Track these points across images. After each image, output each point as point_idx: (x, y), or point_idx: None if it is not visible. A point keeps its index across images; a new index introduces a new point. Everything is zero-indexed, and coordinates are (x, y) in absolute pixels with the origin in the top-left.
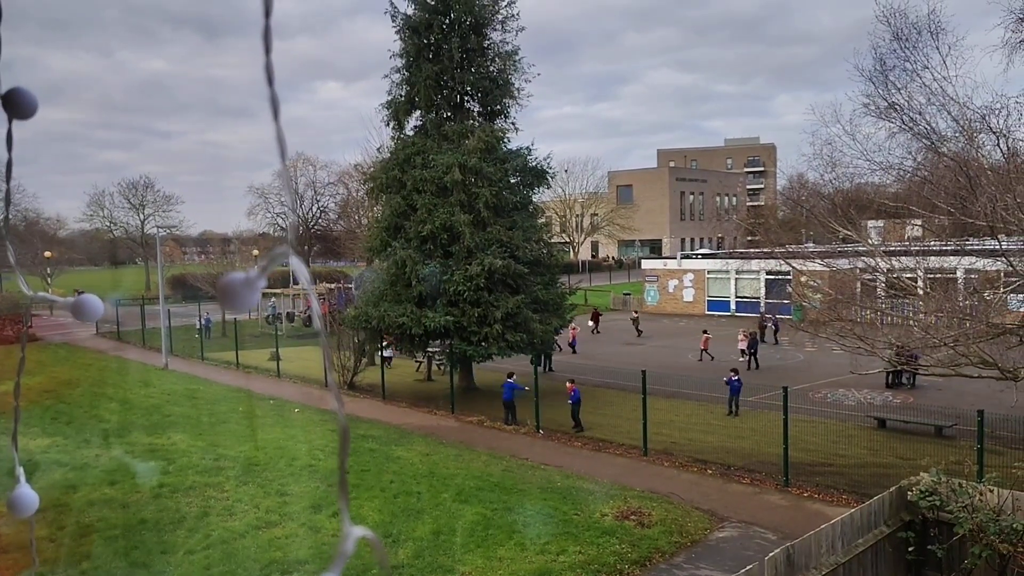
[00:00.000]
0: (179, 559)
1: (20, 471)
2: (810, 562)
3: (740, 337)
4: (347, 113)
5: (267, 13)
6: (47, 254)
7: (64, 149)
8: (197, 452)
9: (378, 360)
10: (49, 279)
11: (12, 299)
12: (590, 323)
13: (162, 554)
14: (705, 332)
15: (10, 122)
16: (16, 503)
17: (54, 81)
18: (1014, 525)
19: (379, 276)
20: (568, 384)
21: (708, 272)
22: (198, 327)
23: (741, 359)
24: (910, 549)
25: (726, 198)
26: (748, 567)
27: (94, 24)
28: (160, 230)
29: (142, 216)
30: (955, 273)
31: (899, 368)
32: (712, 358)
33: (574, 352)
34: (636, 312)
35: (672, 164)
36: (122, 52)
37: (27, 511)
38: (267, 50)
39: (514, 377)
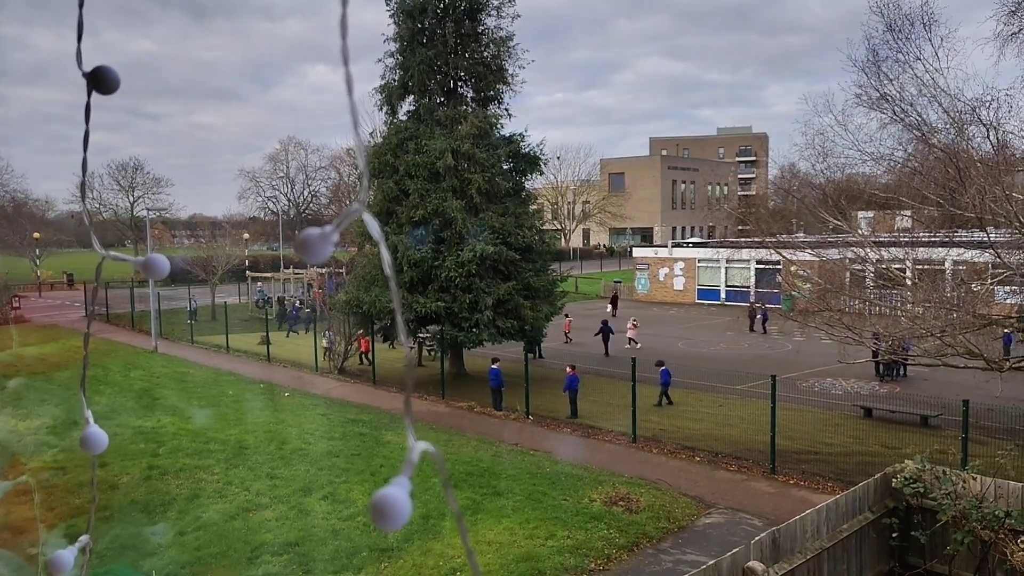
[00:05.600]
0: (169, 540)
1: (88, 414)
2: (795, 546)
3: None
4: (337, 97)
5: (346, 61)
6: (35, 235)
7: (52, 130)
8: (187, 435)
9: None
10: (37, 261)
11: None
12: (608, 307)
13: (152, 536)
14: (567, 316)
15: (89, 95)
16: (88, 440)
17: (41, 61)
18: (996, 512)
19: (370, 261)
20: (568, 369)
21: (699, 261)
22: (188, 310)
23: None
24: (894, 535)
25: (718, 187)
26: (734, 550)
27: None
28: (150, 213)
29: (131, 198)
30: (943, 264)
31: (885, 359)
32: (571, 340)
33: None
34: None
35: (664, 152)
36: (110, 32)
37: (98, 448)
38: (345, 61)
39: (498, 363)
